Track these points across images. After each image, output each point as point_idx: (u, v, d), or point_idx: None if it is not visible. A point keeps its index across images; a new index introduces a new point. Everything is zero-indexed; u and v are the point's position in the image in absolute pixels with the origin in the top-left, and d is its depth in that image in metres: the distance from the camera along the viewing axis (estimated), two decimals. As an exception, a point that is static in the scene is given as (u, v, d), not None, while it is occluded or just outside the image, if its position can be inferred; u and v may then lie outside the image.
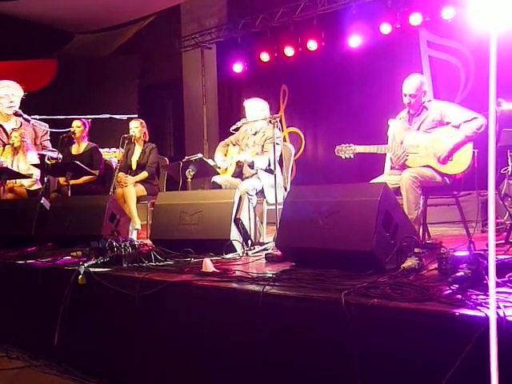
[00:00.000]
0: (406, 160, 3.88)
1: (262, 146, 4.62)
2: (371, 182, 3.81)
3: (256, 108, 4.69)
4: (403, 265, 2.34)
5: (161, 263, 3.08)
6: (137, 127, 5.59)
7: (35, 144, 6.12)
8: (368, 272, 2.33)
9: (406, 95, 3.93)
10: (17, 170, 5.68)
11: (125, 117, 8.62)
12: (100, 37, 9.97)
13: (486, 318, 1.55)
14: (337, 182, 5.92)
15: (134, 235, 4.83)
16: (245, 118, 4.72)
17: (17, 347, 3.39)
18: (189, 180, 4.27)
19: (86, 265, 3.02)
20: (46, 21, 9.56)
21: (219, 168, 4.69)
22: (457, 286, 1.91)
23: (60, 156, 5.63)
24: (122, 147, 5.38)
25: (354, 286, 2.05)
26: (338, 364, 1.96)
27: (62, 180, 5.54)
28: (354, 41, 7.15)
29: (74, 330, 3.01)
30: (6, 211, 4.64)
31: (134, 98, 9.28)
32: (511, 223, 3.67)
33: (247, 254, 3.36)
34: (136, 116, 8.04)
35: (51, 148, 6.19)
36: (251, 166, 4.53)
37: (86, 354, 3.04)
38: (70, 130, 5.72)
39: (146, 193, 5.40)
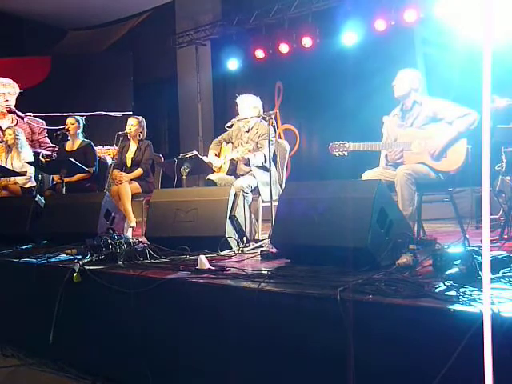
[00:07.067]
0: (402, 157, 3.89)
1: (257, 143, 4.60)
2: (364, 173, 3.82)
3: (248, 104, 4.66)
4: (398, 261, 2.35)
5: (156, 260, 3.07)
6: (134, 125, 5.54)
7: (32, 141, 6.10)
8: (363, 268, 2.34)
9: (395, 85, 3.97)
10: (11, 168, 5.66)
11: (119, 114, 8.60)
12: (94, 33, 9.94)
13: (481, 314, 1.55)
14: (332, 178, 5.93)
15: (128, 233, 4.82)
16: (238, 114, 4.71)
17: (12, 345, 3.38)
18: (184, 177, 4.26)
19: (80, 262, 3.02)
20: (40, 17, 9.53)
21: (214, 166, 4.68)
22: (451, 282, 1.92)
23: (54, 154, 5.63)
24: (117, 144, 5.36)
25: (349, 283, 2.06)
26: (333, 360, 1.96)
27: (56, 177, 5.53)
28: (349, 38, 7.15)
29: (69, 328, 3.01)
30: (1, 209, 4.62)
31: (128, 94, 9.24)
32: (505, 219, 3.69)
33: (242, 251, 3.36)
34: (131, 113, 8.01)
35: (50, 144, 6.18)
36: (247, 161, 4.51)
37: (81, 352, 3.04)
38: (64, 127, 5.70)
39: (140, 190, 5.39)
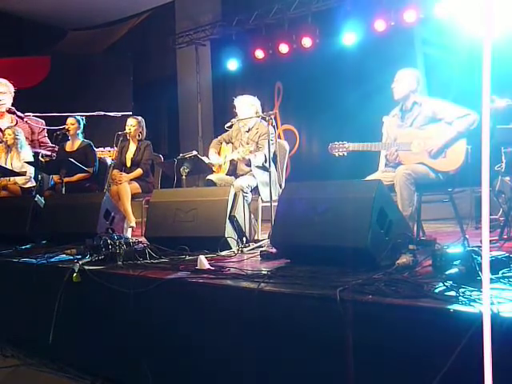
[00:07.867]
0: (400, 157, 3.89)
1: (257, 143, 4.61)
2: (366, 179, 3.82)
3: (245, 104, 4.67)
4: (398, 261, 2.35)
5: (155, 261, 3.07)
6: (133, 125, 5.54)
7: (31, 141, 6.10)
8: (363, 269, 2.34)
9: (394, 87, 3.98)
10: (10, 168, 5.66)
11: (119, 114, 8.60)
12: (94, 34, 9.94)
13: (480, 314, 1.55)
14: (331, 179, 5.92)
15: (128, 233, 4.82)
16: (237, 115, 4.71)
17: (11, 345, 3.38)
18: (183, 177, 4.27)
19: (80, 262, 3.02)
20: (40, 17, 9.53)
21: (213, 166, 4.68)
22: (451, 282, 1.92)
23: (54, 155, 5.62)
24: (117, 145, 5.36)
25: (348, 283, 2.06)
26: (333, 360, 1.96)
27: (56, 178, 5.53)
28: (349, 38, 7.16)
29: (68, 328, 3.01)
30: (1, 209, 4.62)
31: (128, 95, 9.25)
32: (505, 220, 3.69)
33: (242, 251, 3.36)
34: (131, 113, 8.01)
35: (50, 144, 6.17)
36: (247, 161, 4.51)
37: (80, 352, 3.03)
38: (64, 127, 5.70)
39: (140, 190, 5.39)
